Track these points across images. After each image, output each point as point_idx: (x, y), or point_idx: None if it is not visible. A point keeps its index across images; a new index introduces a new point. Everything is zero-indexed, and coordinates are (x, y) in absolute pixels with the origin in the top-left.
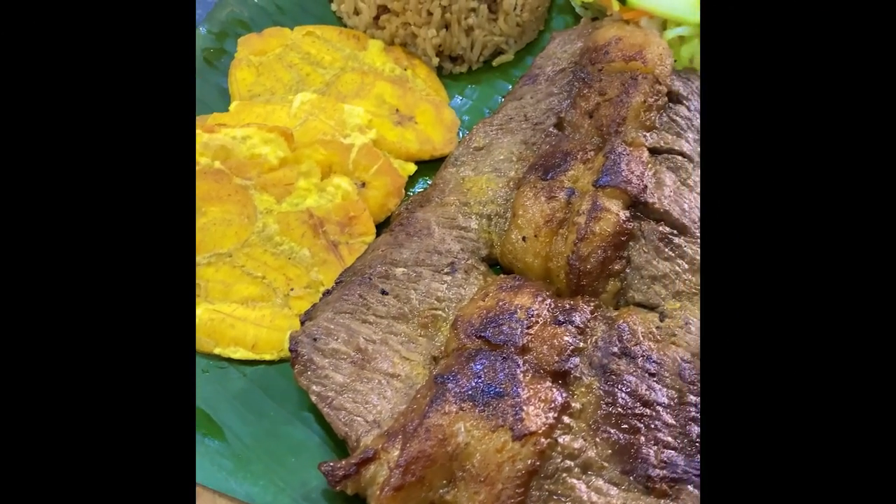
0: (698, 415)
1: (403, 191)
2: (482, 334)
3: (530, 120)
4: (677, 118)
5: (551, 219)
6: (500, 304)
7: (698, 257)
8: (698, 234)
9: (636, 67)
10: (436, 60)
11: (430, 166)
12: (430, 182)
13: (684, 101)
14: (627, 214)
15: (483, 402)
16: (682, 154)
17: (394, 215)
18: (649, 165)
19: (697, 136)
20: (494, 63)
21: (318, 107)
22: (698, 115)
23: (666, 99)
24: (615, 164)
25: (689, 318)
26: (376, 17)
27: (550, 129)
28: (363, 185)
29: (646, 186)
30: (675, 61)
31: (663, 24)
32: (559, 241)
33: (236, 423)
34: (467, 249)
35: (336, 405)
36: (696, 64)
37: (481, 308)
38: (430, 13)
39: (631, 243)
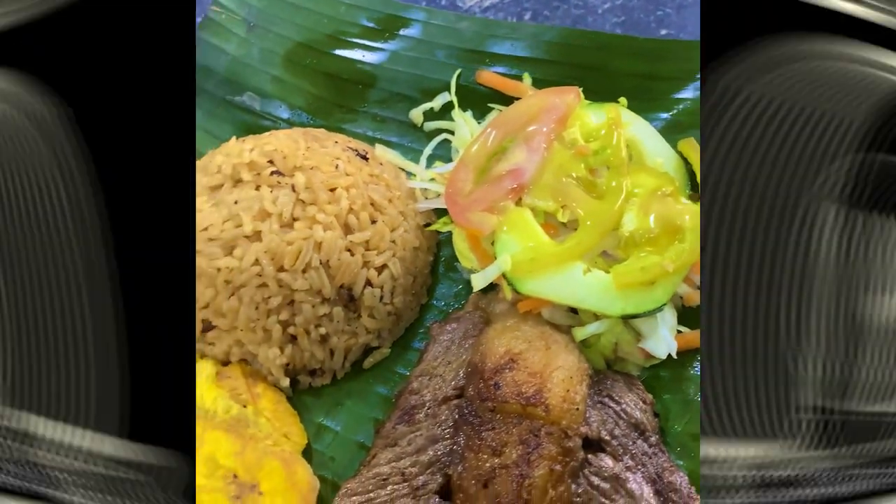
0: None
1: None
2: None
3: (409, 481)
4: (599, 481)
5: None
6: None
7: None
8: None
9: (537, 416)
10: (285, 381)
11: None
12: None
13: (607, 446)
14: None
15: None
16: None
17: None
18: None
19: (632, 501)
20: (366, 365)
21: None
22: (627, 454)
23: (582, 455)
24: None
25: None
26: (204, 331)
27: (435, 502)
28: None
29: None
30: (591, 373)
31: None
32: None
33: None
34: None
35: None
36: (623, 350)
37: None
38: (267, 330)
39: None
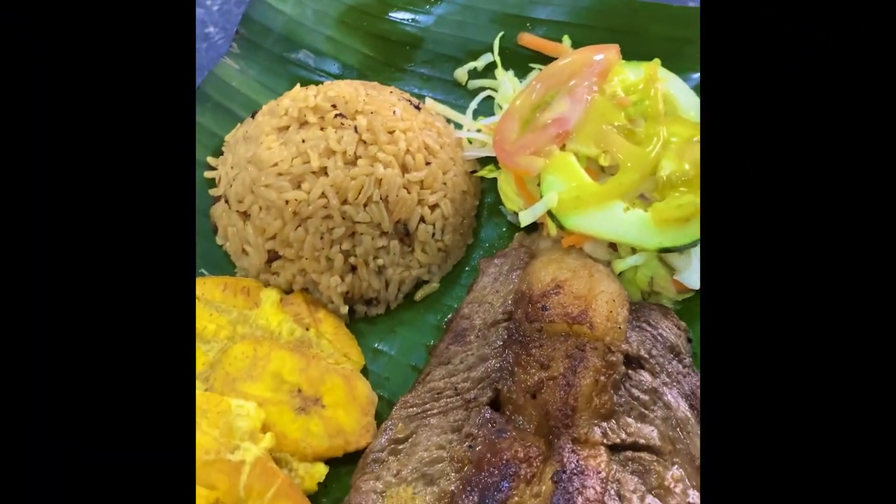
0: None
1: None
2: None
3: (462, 394)
4: (638, 393)
5: None
6: None
7: None
8: None
9: (582, 333)
10: (344, 308)
11: (347, 463)
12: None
13: (645, 364)
14: None
15: None
16: (649, 448)
17: None
18: (609, 477)
19: (668, 412)
20: (417, 297)
21: (197, 410)
22: (663, 372)
23: (623, 369)
24: (566, 494)
25: None
26: (269, 261)
27: (486, 413)
28: None
29: None
30: (630, 302)
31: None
32: None
33: None
34: None
35: None
36: (658, 284)
37: None
38: (329, 259)
39: None
